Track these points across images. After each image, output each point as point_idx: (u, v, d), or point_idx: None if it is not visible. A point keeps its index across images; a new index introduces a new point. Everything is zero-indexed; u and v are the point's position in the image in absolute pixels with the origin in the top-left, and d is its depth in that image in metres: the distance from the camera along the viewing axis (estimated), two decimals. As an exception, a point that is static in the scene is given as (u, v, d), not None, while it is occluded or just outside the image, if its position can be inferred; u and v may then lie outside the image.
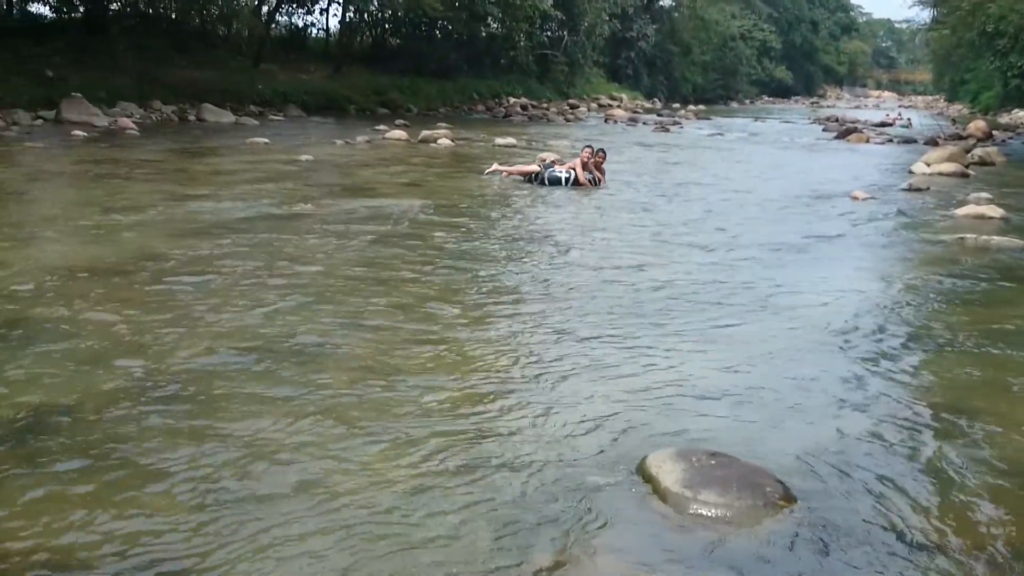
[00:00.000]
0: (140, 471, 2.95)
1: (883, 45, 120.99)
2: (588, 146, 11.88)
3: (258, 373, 3.91)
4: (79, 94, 18.70)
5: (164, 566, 2.44)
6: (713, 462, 3.08)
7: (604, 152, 11.78)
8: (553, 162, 11.78)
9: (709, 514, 2.86)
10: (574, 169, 11.15)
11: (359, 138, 17.46)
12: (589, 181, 11.12)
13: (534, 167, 11.69)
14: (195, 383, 3.76)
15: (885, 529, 2.82)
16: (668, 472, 3.02)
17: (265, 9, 30.23)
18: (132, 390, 3.65)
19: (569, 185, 11.04)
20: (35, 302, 4.89)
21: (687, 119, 34.70)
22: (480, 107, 33.89)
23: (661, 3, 55.35)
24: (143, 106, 20.79)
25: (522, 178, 11.56)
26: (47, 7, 24.05)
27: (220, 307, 4.92)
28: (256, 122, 21.33)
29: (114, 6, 25.17)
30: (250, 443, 3.20)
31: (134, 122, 18.30)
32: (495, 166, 12.20)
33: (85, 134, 15.85)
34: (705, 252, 7.25)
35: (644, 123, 30.24)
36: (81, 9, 24.10)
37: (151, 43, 23.34)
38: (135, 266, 5.83)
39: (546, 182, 11.13)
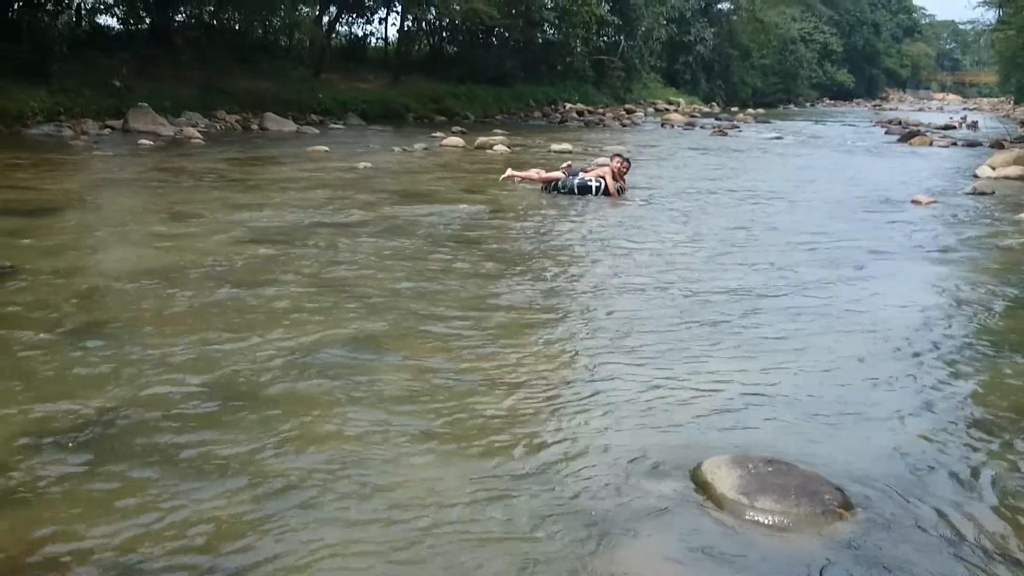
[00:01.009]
0: (206, 470, 3.04)
1: (947, 47, 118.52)
2: (617, 155, 11.37)
3: (319, 376, 3.99)
4: (145, 104, 19.15)
5: (229, 563, 2.51)
6: (770, 469, 3.06)
7: (629, 162, 11.31)
8: (568, 165, 11.24)
9: (766, 521, 2.85)
10: (603, 178, 10.62)
11: (416, 145, 17.63)
12: (617, 191, 10.60)
13: (557, 174, 10.97)
14: (258, 385, 3.85)
15: (946, 539, 2.78)
16: (723, 478, 3.01)
17: (326, 19, 30.70)
18: (196, 392, 3.75)
19: (599, 194, 10.51)
20: (104, 306, 5.04)
21: (746, 122, 34.38)
22: (536, 114, 33.97)
23: (719, 7, 54.89)
24: (207, 115, 21.21)
25: (542, 186, 10.92)
26: (114, 19, 24.71)
27: (282, 311, 5.03)
28: (317, 131, 21.64)
29: (179, 17, 25.74)
30: (311, 444, 3.27)
31: (199, 131, 18.67)
32: (509, 172, 11.59)
33: (152, 143, 16.25)
34: (763, 259, 7.18)
35: (701, 127, 30.04)
36: (147, 20, 24.70)
37: (215, 54, 23.82)
38: (200, 271, 5.97)
39: (575, 190, 10.51)
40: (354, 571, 2.52)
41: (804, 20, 68.08)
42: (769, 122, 35.13)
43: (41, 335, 4.45)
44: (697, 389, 4.01)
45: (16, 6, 20.41)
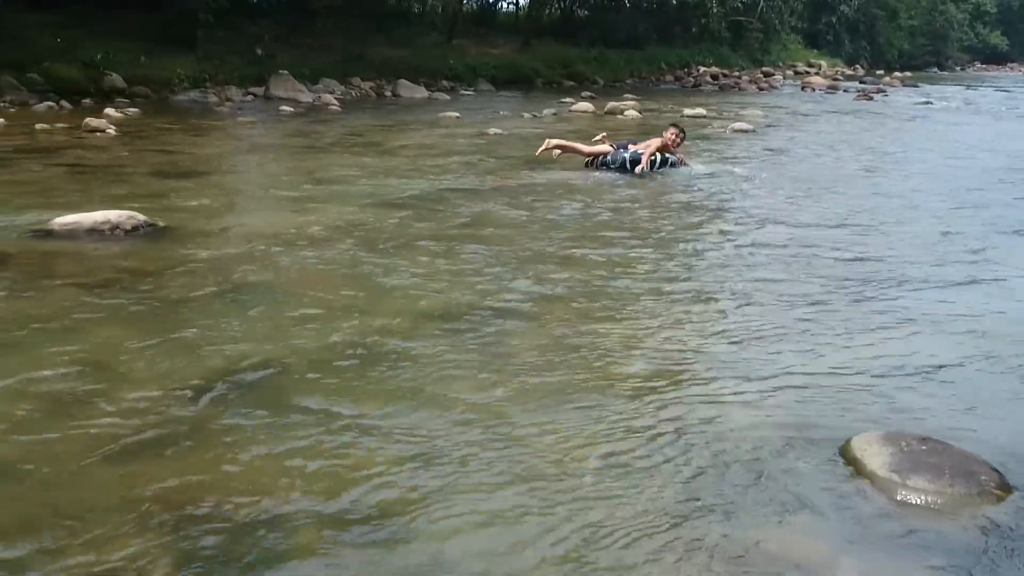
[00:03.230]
0: (340, 424, 3.11)
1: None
2: (674, 124, 10.25)
3: (449, 338, 4.02)
4: (286, 72, 19.70)
5: (363, 514, 2.56)
6: (924, 447, 2.91)
7: (684, 133, 10.04)
8: (604, 137, 10.03)
9: (918, 500, 2.73)
10: (654, 149, 9.44)
11: (546, 111, 17.54)
12: (671, 163, 9.56)
13: (603, 147, 9.70)
14: (391, 344, 3.91)
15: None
16: (874, 455, 2.89)
17: (459, -15, 30.82)
18: (333, 349, 3.84)
19: (656, 168, 9.37)
20: (247, 265, 5.21)
21: (892, 86, 32.74)
22: (668, 77, 33.24)
23: (865, -35, 52.43)
24: (343, 83, 21.65)
25: (587, 160, 9.75)
26: (258, -13, 25.44)
27: (415, 274, 5.10)
28: (447, 97, 21.81)
29: (316, -15, 26.27)
30: (442, 404, 3.30)
31: (335, 98, 19.10)
32: (547, 142, 9.97)
33: (292, 109, 16.72)
34: (909, 230, 6.85)
35: (845, 91, 28.82)
36: (287, -11, 25.36)
37: (352, 21, 24.27)
38: (339, 233, 6.10)
39: (627, 165, 9.31)
40: (491, 530, 2.52)
41: (955, -22, 64.40)
42: (917, 86, 33.38)
43: (191, 291, 4.65)
44: (843, 365, 3.85)
45: (164, -24, 21.20)
